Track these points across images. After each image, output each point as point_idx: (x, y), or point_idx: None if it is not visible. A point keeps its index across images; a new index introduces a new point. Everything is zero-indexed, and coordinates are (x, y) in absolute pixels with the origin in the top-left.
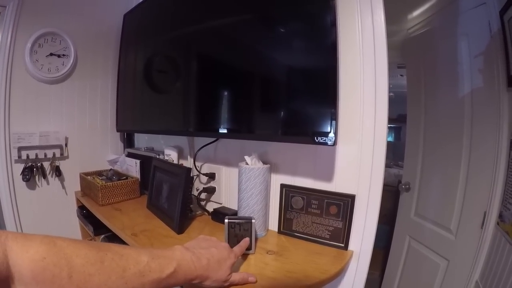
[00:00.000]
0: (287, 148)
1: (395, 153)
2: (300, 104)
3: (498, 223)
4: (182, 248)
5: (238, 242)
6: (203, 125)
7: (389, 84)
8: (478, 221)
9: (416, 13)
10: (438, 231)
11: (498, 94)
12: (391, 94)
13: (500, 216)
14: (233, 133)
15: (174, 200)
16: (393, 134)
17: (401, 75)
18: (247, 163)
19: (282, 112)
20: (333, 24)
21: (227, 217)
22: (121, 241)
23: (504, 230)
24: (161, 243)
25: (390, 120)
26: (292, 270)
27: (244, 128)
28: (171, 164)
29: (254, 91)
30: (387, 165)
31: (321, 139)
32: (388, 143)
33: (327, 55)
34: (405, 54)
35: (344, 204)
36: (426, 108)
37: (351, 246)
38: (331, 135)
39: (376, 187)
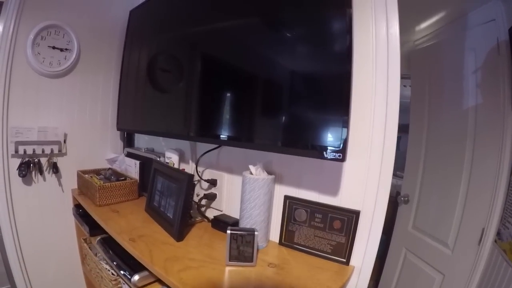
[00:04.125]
0: (293, 159)
1: (397, 163)
2: (309, 116)
3: (495, 241)
4: None
5: (239, 253)
6: (204, 130)
7: None
8: (476, 238)
9: (424, 25)
10: (435, 245)
11: (503, 112)
12: None
13: (498, 234)
14: (235, 141)
15: (175, 206)
16: (396, 144)
17: (404, 86)
18: (251, 173)
19: (290, 123)
20: (349, 32)
21: (229, 228)
22: (118, 245)
23: (501, 248)
24: (160, 250)
25: None
26: (294, 286)
27: (248, 137)
28: (172, 168)
29: (260, 98)
30: None
31: (330, 154)
32: None
33: (343, 64)
34: (410, 65)
35: (348, 220)
36: (429, 121)
37: (352, 262)
38: (341, 151)
39: (382, 204)
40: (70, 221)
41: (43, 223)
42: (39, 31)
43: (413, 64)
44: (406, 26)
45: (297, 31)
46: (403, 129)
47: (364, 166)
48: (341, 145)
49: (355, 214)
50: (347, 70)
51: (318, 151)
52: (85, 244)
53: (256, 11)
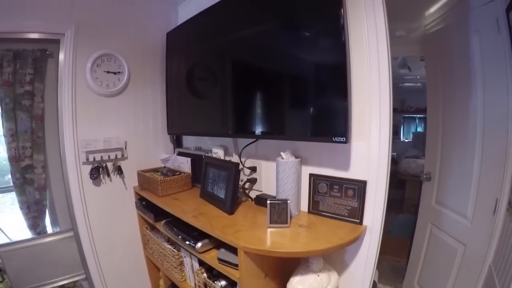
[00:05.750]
0: (314, 145)
1: (424, 144)
2: (320, 110)
3: (507, 209)
4: None
5: (278, 217)
6: (240, 128)
7: (417, 77)
8: (491, 208)
9: (433, 9)
10: (455, 218)
11: (506, 88)
12: (419, 84)
13: (509, 202)
14: (269, 135)
15: (226, 188)
16: (422, 125)
17: (425, 67)
18: (283, 158)
19: (308, 117)
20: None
21: (268, 199)
22: (182, 223)
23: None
24: (217, 221)
25: (420, 111)
26: (318, 237)
27: (279, 131)
28: (221, 160)
29: (286, 98)
30: (416, 156)
31: (337, 139)
32: (418, 134)
33: (341, 71)
34: (424, 49)
35: (358, 188)
36: (443, 101)
37: (365, 222)
38: (344, 136)
39: (382, 174)
40: (133, 213)
41: (111, 217)
42: (94, 59)
43: (426, 49)
44: (417, 12)
45: (304, 31)
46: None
47: (366, 145)
48: (345, 132)
49: (363, 183)
50: (345, 74)
51: (328, 137)
52: (147, 231)
53: (277, 17)
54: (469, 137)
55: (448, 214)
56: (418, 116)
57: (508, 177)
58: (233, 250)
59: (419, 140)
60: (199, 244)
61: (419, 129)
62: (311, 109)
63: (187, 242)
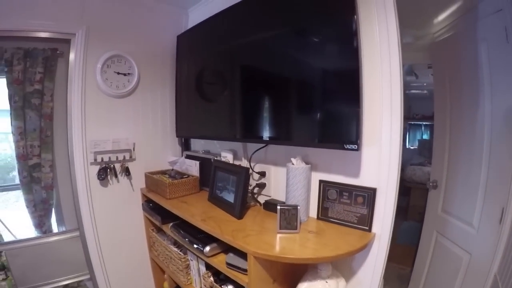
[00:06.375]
0: (324, 151)
1: (430, 151)
2: (332, 117)
3: None
4: None
5: (288, 223)
6: (249, 132)
7: (424, 84)
8: (497, 217)
9: (441, 17)
10: (462, 226)
11: None
12: (425, 92)
13: None
14: (277, 140)
15: (235, 192)
16: (428, 132)
17: (432, 75)
18: (293, 164)
19: (319, 124)
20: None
21: (279, 204)
22: (190, 226)
23: None
24: (226, 225)
25: (426, 118)
26: (328, 244)
27: (287, 136)
28: (231, 164)
29: (295, 105)
30: (422, 164)
31: (349, 146)
32: (424, 141)
33: (353, 77)
34: (432, 57)
35: (368, 196)
36: (451, 108)
37: (373, 229)
38: (355, 143)
39: (392, 182)
40: (139, 215)
41: (117, 218)
42: (105, 60)
43: (434, 56)
44: (425, 19)
45: (317, 35)
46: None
47: (377, 153)
48: (356, 140)
49: (373, 191)
50: (357, 81)
51: (340, 144)
52: (153, 233)
53: (290, 23)
54: (476, 146)
55: (454, 222)
56: (424, 123)
57: None
58: (242, 254)
59: (425, 147)
60: (207, 248)
61: (425, 136)
62: (323, 115)
63: (195, 246)
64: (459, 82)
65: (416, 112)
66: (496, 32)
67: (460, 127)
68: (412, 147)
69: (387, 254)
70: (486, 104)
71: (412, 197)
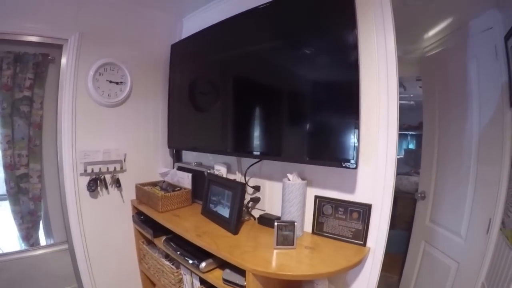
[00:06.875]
0: (320, 167)
1: (416, 161)
2: (331, 135)
3: (501, 229)
4: None
5: (284, 239)
6: (239, 146)
7: (411, 96)
8: (484, 227)
9: (431, 33)
10: (449, 236)
11: (502, 112)
12: (412, 102)
13: (503, 222)
14: (272, 156)
15: (231, 208)
16: (414, 142)
17: (420, 87)
18: (289, 179)
19: (317, 141)
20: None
21: (276, 220)
22: (183, 240)
23: (505, 235)
24: (222, 241)
25: (412, 128)
26: (325, 259)
27: (284, 153)
28: (226, 179)
29: (291, 122)
30: (408, 173)
31: (347, 164)
32: (410, 151)
33: (352, 95)
34: (421, 71)
35: (363, 211)
36: (440, 122)
37: (368, 244)
38: (354, 161)
39: (387, 198)
40: (129, 227)
41: (107, 230)
42: (97, 68)
43: (423, 70)
44: (416, 35)
45: (315, 50)
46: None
47: (372, 170)
48: (354, 158)
49: (368, 207)
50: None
51: (338, 162)
52: (144, 246)
53: (287, 36)
54: (464, 157)
55: (442, 232)
56: (410, 133)
57: (502, 198)
58: (239, 270)
59: (411, 156)
60: (203, 264)
61: (411, 146)
62: (320, 133)
63: (191, 262)
64: (448, 95)
65: (402, 122)
66: (486, 49)
67: (448, 139)
68: (398, 157)
69: (381, 267)
70: (474, 118)
71: (399, 206)
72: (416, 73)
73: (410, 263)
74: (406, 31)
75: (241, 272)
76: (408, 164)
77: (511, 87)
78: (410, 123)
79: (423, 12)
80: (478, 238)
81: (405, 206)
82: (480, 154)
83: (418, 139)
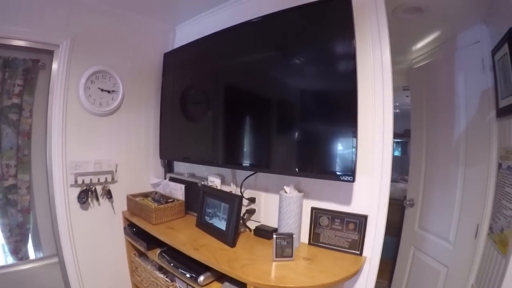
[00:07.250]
0: (316, 180)
1: (402, 168)
2: (328, 149)
3: (489, 234)
4: None
5: (283, 251)
6: (229, 158)
7: (396, 104)
8: (472, 232)
9: (420, 45)
10: (438, 241)
11: (489, 123)
12: (397, 110)
13: (490, 228)
14: (268, 169)
15: (228, 220)
16: (400, 149)
17: (406, 96)
18: (286, 192)
19: (315, 155)
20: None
21: (275, 233)
22: (178, 253)
23: (492, 240)
24: (220, 254)
25: (397, 135)
26: (324, 270)
27: (281, 166)
28: (221, 191)
29: (287, 135)
30: (394, 180)
31: (345, 178)
32: (395, 158)
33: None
34: (409, 81)
35: (359, 222)
36: (427, 130)
37: (364, 253)
38: (351, 175)
39: (383, 209)
40: (120, 239)
41: (98, 242)
42: (89, 76)
43: (411, 80)
44: (404, 46)
45: (312, 60)
46: (409, 134)
47: (368, 182)
48: (352, 171)
49: (364, 218)
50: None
51: (335, 175)
52: (136, 258)
53: (281, 47)
54: (452, 164)
55: (431, 238)
56: (396, 140)
57: (489, 204)
58: (237, 283)
59: (397, 164)
60: (201, 278)
61: (396, 153)
62: (317, 146)
63: (188, 275)
64: (436, 104)
65: None
66: (473, 61)
67: (436, 146)
68: None
69: (377, 275)
70: (462, 126)
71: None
72: (402, 82)
73: (400, 269)
74: (395, 43)
75: (240, 284)
76: (395, 170)
77: (497, 99)
78: (396, 130)
79: (412, 25)
80: (467, 243)
81: (393, 212)
82: (468, 160)
83: (404, 146)
